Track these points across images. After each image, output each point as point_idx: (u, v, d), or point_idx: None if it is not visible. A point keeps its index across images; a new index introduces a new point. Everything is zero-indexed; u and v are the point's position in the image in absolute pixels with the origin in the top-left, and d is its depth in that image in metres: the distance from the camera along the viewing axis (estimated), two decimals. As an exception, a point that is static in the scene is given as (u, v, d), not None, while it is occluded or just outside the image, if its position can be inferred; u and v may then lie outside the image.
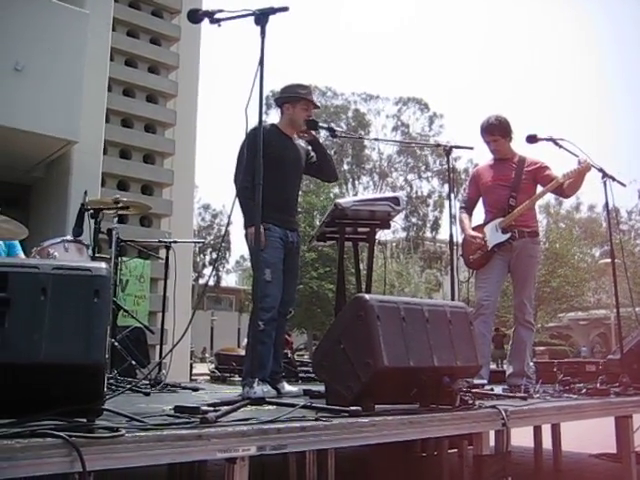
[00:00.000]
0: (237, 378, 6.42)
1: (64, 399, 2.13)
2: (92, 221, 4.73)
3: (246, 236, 4.21)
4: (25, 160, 7.03)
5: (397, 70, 79.48)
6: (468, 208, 5.22)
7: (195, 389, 4.92)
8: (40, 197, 7.68)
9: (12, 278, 2.12)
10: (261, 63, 3.12)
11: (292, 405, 2.87)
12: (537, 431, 5.34)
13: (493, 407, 3.29)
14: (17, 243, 5.08)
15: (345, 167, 43.03)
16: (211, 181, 70.63)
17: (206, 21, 3.25)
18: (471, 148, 4.96)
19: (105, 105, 7.60)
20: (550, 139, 4.68)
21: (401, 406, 3.05)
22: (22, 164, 7.09)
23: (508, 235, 4.86)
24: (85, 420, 2.15)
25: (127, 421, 2.35)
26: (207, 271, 43.29)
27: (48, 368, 2.07)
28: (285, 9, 3.13)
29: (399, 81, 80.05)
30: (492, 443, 3.42)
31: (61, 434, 1.96)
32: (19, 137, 6.20)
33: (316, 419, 2.64)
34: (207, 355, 32.80)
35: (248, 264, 41.01)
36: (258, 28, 3.16)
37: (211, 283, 42.74)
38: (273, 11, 3.14)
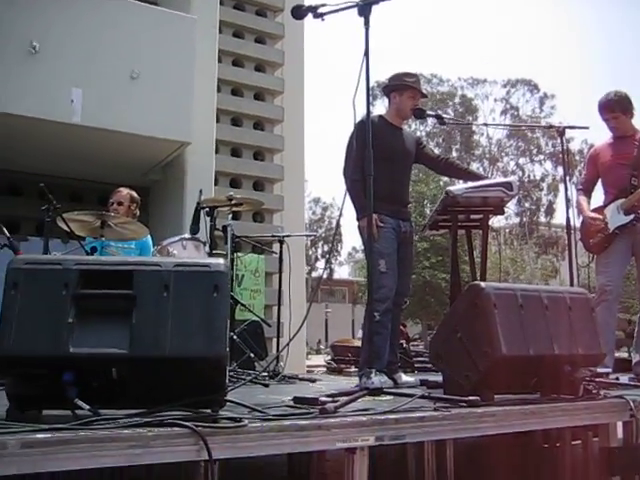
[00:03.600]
0: (353, 369, 6.47)
1: (189, 390, 2.22)
2: (208, 219, 4.87)
3: (359, 228, 4.22)
4: (142, 163, 7.34)
5: (504, 52, 77.25)
6: (586, 190, 5.01)
7: (312, 380, 4.99)
8: (158, 198, 8.00)
9: (137, 276, 2.23)
10: (366, 54, 3.12)
11: (410, 395, 2.86)
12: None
13: (620, 397, 3.16)
14: (149, 243, 5.29)
15: (454, 154, 42.30)
16: (321, 174, 71.16)
17: (309, 16, 3.28)
18: (586, 128, 4.75)
19: (215, 105, 7.82)
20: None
21: (521, 396, 2.99)
22: (140, 167, 7.40)
23: (631, 217, 4.63)
24: (209, 411, 2.24)
25: (249, 412, 2.42)
26: (320, 264, 43.71)
27: (173, 361, 2.16)
28: (388, -2, 3.11)
29: (507, 63, 77.84)
30: (619, 435, 3.29)
31: (188, 424, 2.04)
32: (136, 142, 6.48)
33: (434, 409, 2.63)
34: (322, 347, 33.18)
35: (360, 256, 41.19)
36: (361, 19, 3.16)
37: (324, 275, 43.15)
38: (376, 1, 3.13)
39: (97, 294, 2.23)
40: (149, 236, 5.21)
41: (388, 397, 2.94)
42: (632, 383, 4.03)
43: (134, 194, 5.46)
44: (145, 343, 2.14)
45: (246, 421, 2.18)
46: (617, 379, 4.04)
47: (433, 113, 4.72)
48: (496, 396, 2.87)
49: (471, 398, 2.75)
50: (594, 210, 4.87)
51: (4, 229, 4.99)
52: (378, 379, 3.00)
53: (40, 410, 2.32)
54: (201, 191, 5.02)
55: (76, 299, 2.20)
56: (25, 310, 2.17)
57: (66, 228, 4.60)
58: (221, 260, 2.36)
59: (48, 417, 2.24)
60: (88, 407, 2.12)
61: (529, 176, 44.23)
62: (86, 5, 6.22)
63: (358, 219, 4.22)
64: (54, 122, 5.84)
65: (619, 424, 3.24)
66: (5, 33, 5.65)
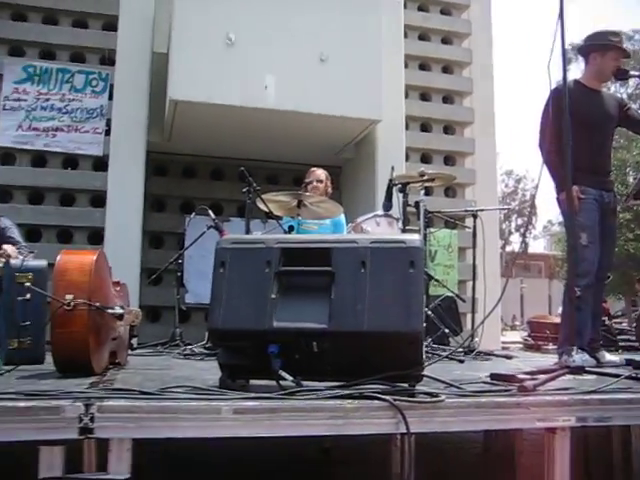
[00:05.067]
0: (551, 346, 6.25)
1: (386, 365, 2.27)
2: (400, 195, 4.90)
3: (559, 201, 4.05)
4: (334, 143, 7.48)
5: None
6: None
7: (508, 357, 4.89)
8: (350, 176, 8.14)
9: (335, 253, 2.31)
10: (560, 16, 2.97)
11: (615, 375, 2.72)
12: None
13: None
14: (343, 220, 5.45)
15: (661, 116, 39.01)
16: (512, 146, 68.87)
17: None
18: None
19: (403, 81, 7.79)
20: None
21: None
22: (332, 147, 7.56)
23: None
24: (407, 385, 2.27)
25: (445, 387, 2.43)
26: (513, 238, 42.45)
27: (371, 336, 2.22)
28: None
29: None
30: None
31: (387, 397, 2.09)
32: (327, 122, 6.62)
33: (644, 390, 2.48)
34: (517, 323, 32.27)
35: (556, 229, 39.43)
36: (556, -19, 3.01)
37: (519, 250, 41.82)
38: (570, -41, 2.96)
39: (298, 271, 2.35)
40: (342, 214, 5.35)
41: (591, 376, 2.82)
42: None
43: (326, 172, 5.66)
44: (344, 318, 2.22)
45: (443, 396, 2.19)
46: None
47: (637, 73, 4.40)
48: None
49: (685, 380, 2.56)
50: None
51: (210, 212, 5.36)
52: (580, 357, 2.89)
53: (248, 380, 2.49)
54: (393, 167, 5.05)
55: (278, 276, 2.33)
56: (232, 287, 2.33)
57: (265, 208, 4.84)
58: (416, 236, 2.38)
59: (255, 387, 2.39)
60: (292, 378, 2.23)
61: None
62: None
63: (557, 192, 4.05)
64: (251, 108, 6.12)
65: None
66: (204, 29, 6.00)
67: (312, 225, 5.22)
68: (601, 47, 4.16)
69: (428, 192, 5.65)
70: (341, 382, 2.28)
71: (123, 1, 6.61)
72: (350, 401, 2.09)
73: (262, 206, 4.85)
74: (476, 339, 4.95)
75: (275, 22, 6.31)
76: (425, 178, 4.98)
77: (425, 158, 8.12)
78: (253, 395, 2.14)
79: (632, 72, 4.30)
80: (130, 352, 3.87)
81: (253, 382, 2.50)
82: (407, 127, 7.80)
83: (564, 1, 3.00)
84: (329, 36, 6.51)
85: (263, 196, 4.80)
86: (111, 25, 6.71)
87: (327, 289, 2.26)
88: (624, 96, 37.48)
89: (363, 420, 2.10)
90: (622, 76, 4.23)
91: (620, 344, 5.82)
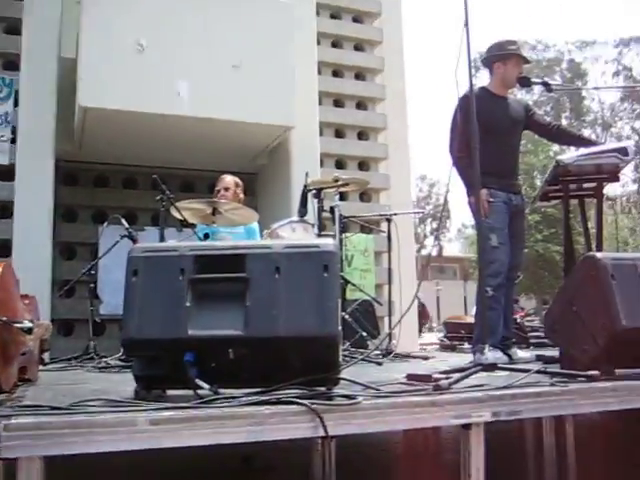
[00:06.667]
0: (467, 346, 6.40)
1: (303, 369, 2.27)
2: (315, 201, 4.93)
3: (469, 204, 4.16)
4: (249, 149, 7.46)
5: (613, 10, 73.40)
6: None
7: (425, 358, 4.98)
8: (265, 182, 8.13)
9: (249, 259, 2.30)
10: (466, 24, 3.07)
11: (526, 371, 2.81)
12: None
13: None
14: (256, 228, 5.43)
15: (564, 122, 40.65)
16: (426, 151, 70.35)
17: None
18: None
19: (317, 88, 7.85)
20: None
21: (644, 370, 2.87)
22: (247, 153, 7.53)
23: None
24: (324, 389, 2.28)
25: (363, 389, 2.45)
26: (429, 241, 43.32)
27: (287, 341, 2.22)
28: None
29: (616, 22, 73.86)
30: None
31: (304, 402, 2.10)
32: (242, 129, 6.60)
33: (551, 384, 2.57)
34: (434, 325, 32.92)
35: (470, 232, 40.45)
36: (460, -10, 3.10)
37: (434, 253, 42.71)
38: (475, -31, 3.05)
39: (212, 278, 2.32)
40: (256, 222, 5.34)
41: (503, 373, 2.91)
42: None
43: (237, 179, 5.63)
44: (259, 324, 2.21)
45: (360, 398, 2.21)
46: None
47: (539, 80, 4.57)
48: (617, 370, 2.77)
49: (590, 372, 2.67)
50: None
51: (123, 220, 5.24)
52: (492, 355, 2.97)
53: (164, 390, 2.44)
54: (307, 173, 5.08)
55: (192, 283, 2.30)
56: (146, 295, 2.29)
57: (179, 217, 4.77)
58: (330, 240, 2.40)
59: (172, 397, 2.35)
60: (208, 386, 2.21)
61: (646, 140, 42.00)
62: (188, 2, 6.38)
63: (468, 195, 4.16)
64: (163, 115, 6.03)
65: None
66: (114, 33, 5.88)
67: (226, 233, 5.19)
68: (502, 56, 4.34)
69: (343, 197, 5.69)
70: (259, 388, 2.27)
71: (27, 3, 6.37)
72: (267, 407, 2.08)
73: (176, 214, 4.78)
74: (394, 341, 5.02)
75: (188, 28, 6.24)
76: (339, 183, 5.02)
77: (340, 164, 8.20)
78: (170, 405, 2.11)
79: (534, 79, 4.46)
80: (41, 367, 3.74)
81: (170, 392, 2.46)
82: (321, 133, 7.85)
83: (469, 10, 3.10)
84: (242, 43, 6.49)
85: (177, 204, 4.74)
86: (14, 29, 6.48)
87: (242, 296, 2.25)
88: (530, 103, 39.00)
89: (281, 425, 2.09)
90: (525, 83, 4.40)
91: (531, 341, 6.02)
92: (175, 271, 2.30)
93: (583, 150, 4.14)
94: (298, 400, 2.11)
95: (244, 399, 2.15)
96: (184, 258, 2.32)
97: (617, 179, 4.21)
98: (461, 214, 49.50)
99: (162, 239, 4.70)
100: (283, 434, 2.11)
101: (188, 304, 2.26)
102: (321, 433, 2.10)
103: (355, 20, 9.20)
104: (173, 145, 6.84)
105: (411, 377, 2.69)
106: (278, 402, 2.12)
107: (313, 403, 2.10)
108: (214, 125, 6.39)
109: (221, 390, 2.24)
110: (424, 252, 40.12)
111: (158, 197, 4.73)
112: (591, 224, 4.47)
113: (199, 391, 2.22)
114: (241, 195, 5.59)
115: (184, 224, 4.93)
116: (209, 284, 2.32)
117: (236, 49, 6.45)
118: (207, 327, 2.23)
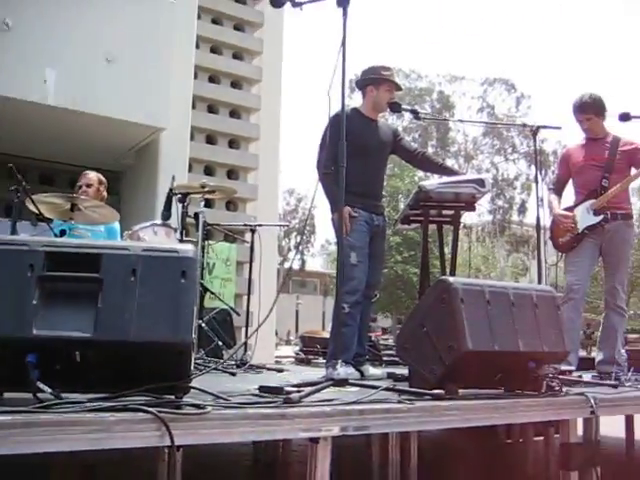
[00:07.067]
0: (321, 360, 6.48)
1: (153, 376, 2.21)
2: (180, 205, 4.85)
3: (333, 221, 4.22)
4: (116, 147, 7.27)
5: (482, 50, 77.65)
6: (557, 189, 5.08)
7: (280, 370, 5.00)
8: (131, 183, 7.93)
9: (104, 260, 2.21)
10: (343, 44, 3.11)
11: (375, 387, 2.87)
12: (629, 421, 5.16)
13: (581, 394, 3.21)
14: (117, 228, 5.26)
15: (430, 150, 42.36)
16: (296, 165, 71.11)
17: (288, 5, 3.27)
18: (559, 128, 4.77)
19: (191, 92, 7.76)
20: (644, 117, 4.49)
21: (485, 391, 3.02)
22: (113, 151, 7.33)
23: (600, 217, 4.69)
24: (173, 397, 2.23)
25: (213, 399, 2.41)
26: (292, 255, 43.66)
27: (138, 346, 2.15)
28: (367, -10, 3.10)
29: (485, 62, 78.20)
30: (580, 432, 3.34)
31: (151, 409, 2.03)
32: (109, 125, 6.42)
33: (399, 401, 2.64)
34: (292, 338, 33.19)
35: (333, 248, 41.20)
36: (340, 10, 3.15)
37: (296, 267, 43.11)
38: (355, -8, 3.12)
39: (63, 276, 2.21)
40: (117, 222, 5.18)
41: (354, 388, 2.95)
42: (594, 381, 4.09)
43: (101, 176, 5.43)
44: (110, 327, 2.13)
45: (209, 408, 2.17)
46: (580, 377, 4.10)
47: (409, 107, 4.74)
48: (461, 390, 2.89)
49: (435, 391, 2.77)
50: (564, 210, 4.93)
51: (-29, 210, 4.92)
52: (344, 370, 3.02)
53: (1, 393, 2.30)
54: (174, 177, 4.99)
55: (41, 281, 2.17)
56: (-12, 290, 2.15)
57: (35, 210, 4.54)
58: (190, 246, 2.34)
59: (10, 400, 2.22)
60: (50, 390, 2.10)
61: (503, 174, 44.49)
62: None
63: (332, 212, 4.22)
64: (25, 102, 5.75)
65: (579, 420, 3.29)
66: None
67: (85, 231, 4.99)
68: (376, 80, 4.44)
69: (209, 204, 5.64)
70: (105, 394, 2.19)
71: None
72: (113, 414, 2.00)
73: (32, 207, 4.54)
74: (249, 352, 5.01)
75: (60, 14, 5.99)
76: (206, 190, 4.96)
77: (209, 170, 8.14)
78: (6, 409, 1.98)
79: (405, 106, 4.62)
80: None
81: (8, 395, 2.32)
82: (192, 138, 7.77)
83: (347, 32, 3.15)
84: (118, 37, 6.32)
85: (34, 197, 4.50)
86: None
87: (94, 297, 2.16)
88: (400, 128, 40.34)
89: (126, 433, 2.02)
90: (396, 109, 4.52)
91: (385, 359, 6.18)
92: (23, 266, 2.16)
93: (445, 178, 4.31)
94: (145, 408, 2.05)
95: (88, 404, 2.06)
96: (34, 253, 2.19)
97: (473, 209, 4.41)
98: (326, 230, 50.35)
99: (14, 232, 4.44)
100: (127, 442, 2.03)
101: (35, 302, 2.14)
102: (167, 442, 2.04)
103: (236, 28, 9.19)
104: (35, 135, 6.55)
105: (263, 389, 2.68)
106: (124, 409, 2.05)
107: (161, 411, 2.04)
108: (81, 118, 6.17)
109: (65, 395, 2.13)
110: (287, 265, 40.42)
111: (13, 187, 4.47)
112: (447, 249, 4.66)
113: (40, 395, 2.11)
114: (104, 193, 5.39)
115: (39, 218, 4.68)
116: (60, 283, 2.20)
117: (111, 43, 6.27)
118: (54, 327, 2.12)
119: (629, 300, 26.51)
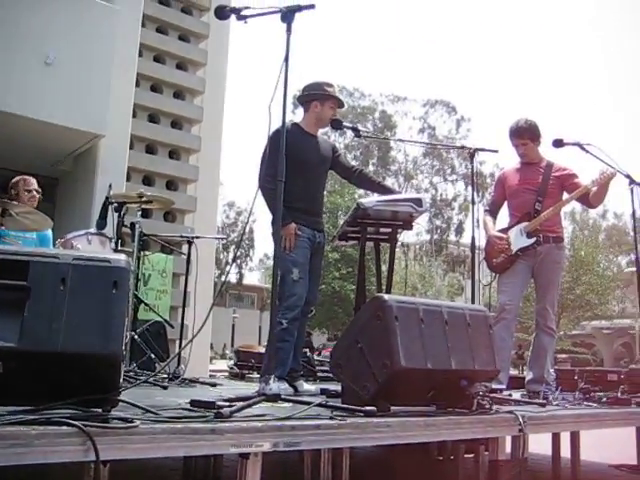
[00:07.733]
0: (256, 375, 6.44)
1: (81, 389, 2.15)
2: (116, 215, 4.77)
3: (273, 236, 4.19)
4: (53, 153, 7.11)
5: (425, 72, 79.18)
6: (492, 211, 5.18)
7: (213, 384, 4.93)
8: (66, 190, 7.76)
9: (33, 267, 2.14)
10: (286, 60, 3.12)
11: (307, 403, 2.86)
12: (555, 439, 5.27)
13: (510, 412, 3.26)
14: (50, 235, 5.14)
15: (370, 168, 42.87)
16: (236, 179, 70.87)
17: (233, 18, 3.26)
18: (495, 151, 4.89)
19: (132, 100, 7.66)
20: (576, 144, 4.63)
21: (417, 408, 3.03)
22: (50, 157, 7.17)
23: (533, 240, 4.81)
24: (100, 410, 2.17)
25: (142, 413, 2.36)
26: (229, 268, 43.40)
27: (66, 357, 2.09)
28: (311, 7, 3.12)
29: (427, 83, 79.65)
30: (509, 449, 3.39)
31: (76, 423, 1.97)
32: (47, 130, 6.27)
33: (330, 418, 2.64)
34: (227, 352, 32.93)
35: (271, 262, 41.14)
36: (284, 25, 3.16)
37: (234, 280, 42.86)
38: (299, 9, 3.14)
39: (-13, 284, 2.13)
40: (50, 229, 5.06)
41: (286, 404, 2.94)
42: (523, 399, 4.17)
43: None
44: (36, 337, 2.06)
45: (138, 422, 2.12)
46: (510, 395, 4.17)
47: (350, 125, 4.77)
48: (393, 407, 2.90)
49: (368, 408, 2.77)
50: (499, 231, 5.03)
51: None
52: (277, 385, 3.00)
53: None
54: (110, 185, 4.91)
55: (-36, 288, 2.09)
56: None
57: (-38, 214, 4.39)
58: (122, 256, 2.29)
59: None
60: (-31, 402, 2.02)
61: (442, 195, 45.41)
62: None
63: (272, 226, 4.20)
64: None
65: (508, 438, 3.35)
66: None
67: (16, 237, 4.85)
68: (319, 96, 4.46)
69: (146, 214, 5.56)
70: (29, 407, 2.11)
71: None
72: (35, 427, 1.94)
73: (-41, 211, 4.39)
74: (182, 366, 4.93)
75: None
76: (143, 200, 4.89)
77: (148, 180, 8.03)
78: None
79: (346, 124, 4.65)
80: None
81: None
82: (132, 147, 7.67)
83: (290, 47, 3.17)
84: (58, 40, 6.20)
85: (-38, 200, 4.36)
86: None
87: (21, 305, 2.09)
88: (341, 146, 40.71)
89: (49, 448, 1.95)
90: (338, 126, 4.55)
91: (319, 375, 6.18)
92: (-55, 272, 2.09)
93: (383, 196, 4.35)
94: (69, 421, 1.98)
95: (9, 417, 1.98)
96: (-42, 259, 2.12)
97: (411, 227, 4.47)
98: (264, 245, 50.26)
99: (-61, 237, 4.29)
100: (50, 457, 1.96)
101: (-43, 310, 2.06)
102: (92, 457, 1.98)
103: (181, 38, 9.13)
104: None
105: (195, 403, 2.64)
106: (47, 422, 1.98)
107: (86, 425, 1.98)
108: (16, 122, 6.02)
109: (-14, 406, 2.05)
110: (224, 278, 40.14)
111: (-63, 190, 4.33)
112: (384, 267, 4.69)
113: (-41, 406, 2.02)
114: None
115: (-33, 223, 4.54)
116: (-16, 290, 2.13)
117: (50, 45, 6.14)
118: (-24, 336, 2.04)
119: (559, 321, 27.31)
